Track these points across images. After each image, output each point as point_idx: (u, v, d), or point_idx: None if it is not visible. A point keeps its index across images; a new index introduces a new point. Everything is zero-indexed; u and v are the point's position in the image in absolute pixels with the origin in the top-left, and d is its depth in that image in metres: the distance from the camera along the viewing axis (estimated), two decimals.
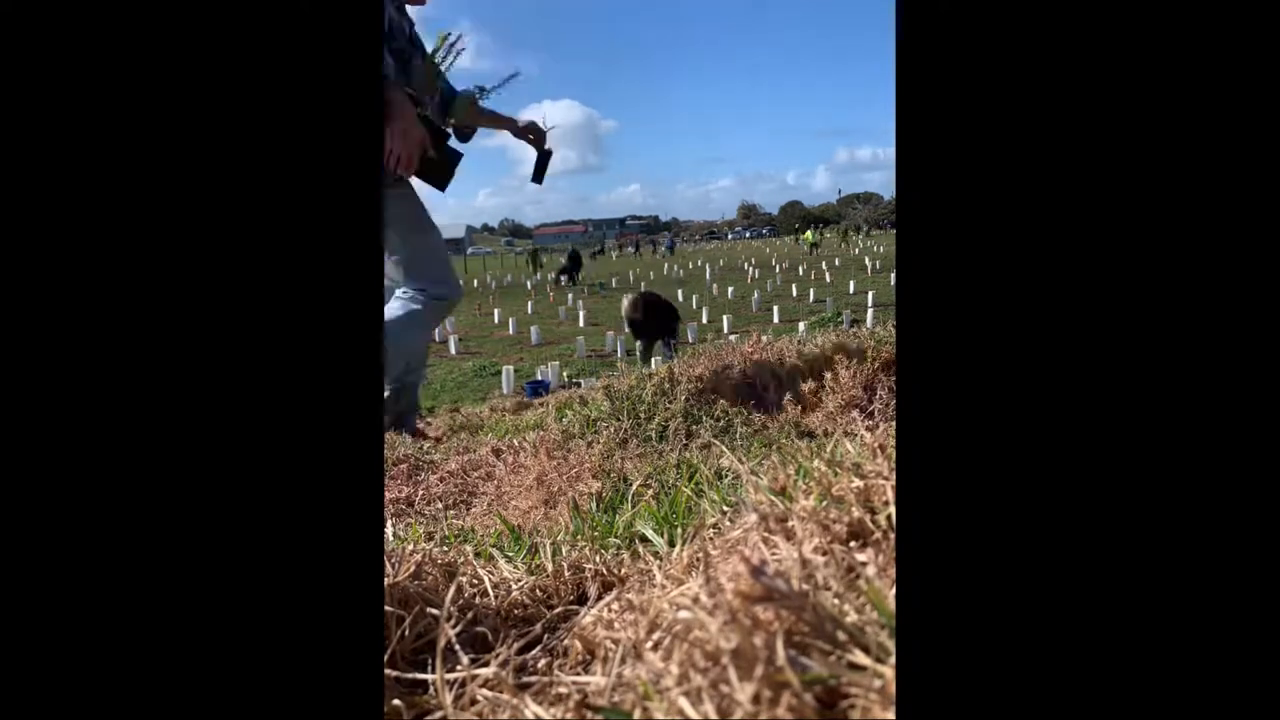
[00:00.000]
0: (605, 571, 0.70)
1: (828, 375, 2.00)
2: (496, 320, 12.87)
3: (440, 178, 2.46)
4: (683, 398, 1.97)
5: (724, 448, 0.88)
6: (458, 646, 0.51)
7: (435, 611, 0.57)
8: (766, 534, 0.52)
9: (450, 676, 0.48)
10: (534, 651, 0.57)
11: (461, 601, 0.61)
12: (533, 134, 2.82)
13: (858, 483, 0.54)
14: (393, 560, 0.61)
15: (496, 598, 0.65)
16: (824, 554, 0.46)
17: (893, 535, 0.48)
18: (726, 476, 1.11)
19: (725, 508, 0.79)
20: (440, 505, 1.76)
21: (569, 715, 0.45)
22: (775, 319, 11.07)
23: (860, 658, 0.37)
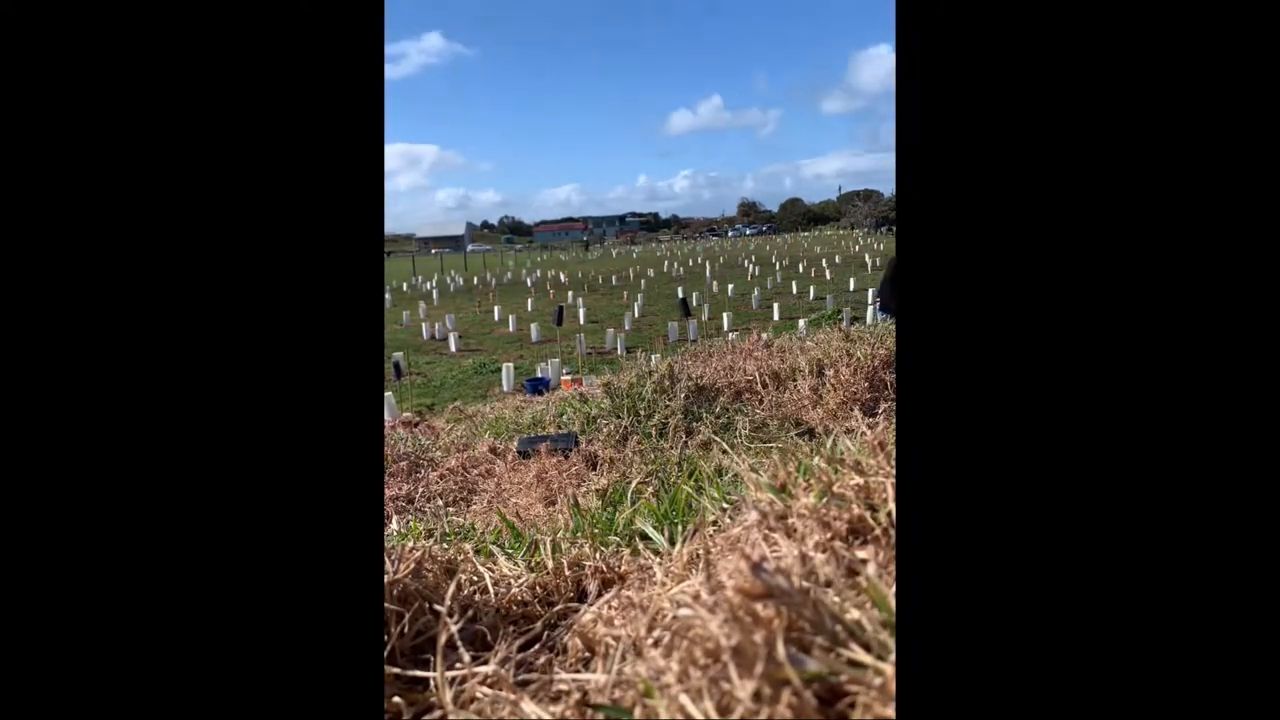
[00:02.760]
0: (605, 568, 0.70)
1: (829, 372, 1.99)
2: (497, 317, 12.88)
3: None
4: (682, 395, 1.97)
5: (724, 445, 0.88)
6: (459, 643, 0.51)
7: (436, 608, 0.57)
8: (767, 531, 0.52)
9: (450, 674, 0.48)
10: (534, 648, 0.57)
11: (461, 599, 0.61)
12: None
13: (858, 480, 0.53)
14: (393, 557, 0.60)
15: (496, 595, 0.64)
16: (824, 551, 0.46)
17: (893, 532, 0.48)
18: (726, 474, 1.11)
19: (725, 505, 0.79)
20: (440, 502, 1.76)
21: (569, 713, 0.45)
22: (775, 316, 11.08)
23: (860, 655, 0.37)
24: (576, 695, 0.46)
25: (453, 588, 0.56)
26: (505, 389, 7.00)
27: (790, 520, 0.53)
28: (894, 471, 0.53)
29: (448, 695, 0.47)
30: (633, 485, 1.26)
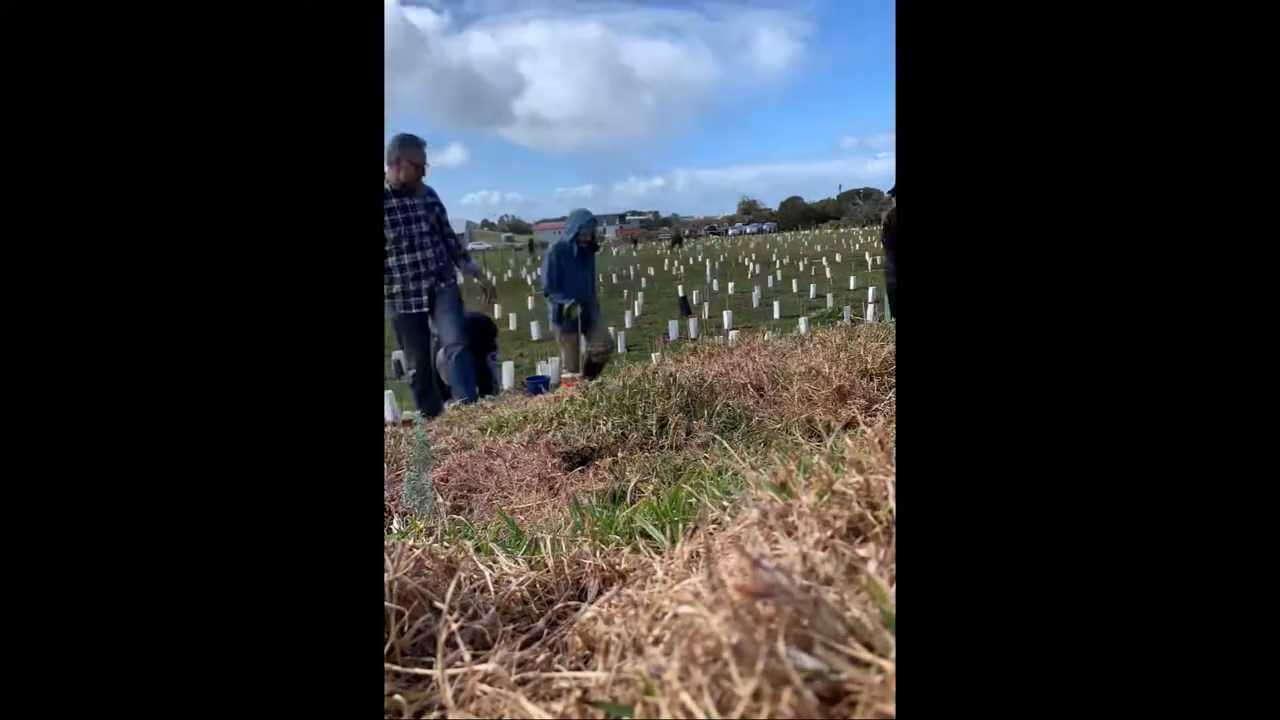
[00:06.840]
0: (606, 567, 0.70)
1: (828, 370, 1.99)
2: (497, 316, 12.90)
3: None
4: (683, 394, 1.97)
5: (724, 443, 0.88)
6: (459, 641, 0.51)
7: (436, 606, 0.57)
8: (768, 529, 0.52)
9: (451, 672, 0.48)
10: (534, 646, 0.57)
11: (462, 597, 0.61)
12: None
13: (858, 478, 0.53)
14: (393, 556, 0.60)
15: (497, 593, 0.64)
16: (825, 549, 0.46)
17: (894, 530, 0.48)
18: (727, 472, 1.11)
19: (726, 503, 0.79)
20: (440, 500, 1.75)
21: (569, 710, 0.45)
22: (775, 314, 11.10)
23: (861, 653, 0.37)
24: (577, 693, 0.46)
25: (453, 586, 0.56)
26: (506, 387, 7.01)
27: (791, 518, 0.53)
28: (894, 469, 0.53)
29: (448, 693, 0.47)
30: (632, 484, 1.26)
